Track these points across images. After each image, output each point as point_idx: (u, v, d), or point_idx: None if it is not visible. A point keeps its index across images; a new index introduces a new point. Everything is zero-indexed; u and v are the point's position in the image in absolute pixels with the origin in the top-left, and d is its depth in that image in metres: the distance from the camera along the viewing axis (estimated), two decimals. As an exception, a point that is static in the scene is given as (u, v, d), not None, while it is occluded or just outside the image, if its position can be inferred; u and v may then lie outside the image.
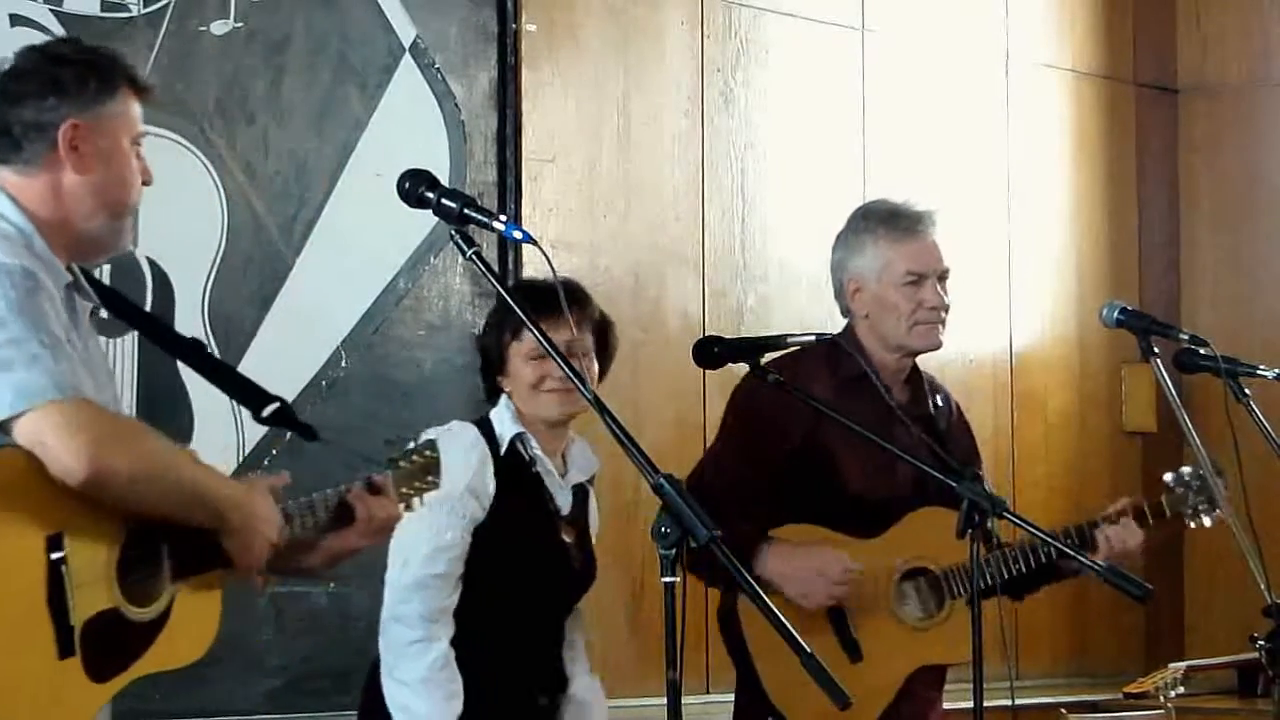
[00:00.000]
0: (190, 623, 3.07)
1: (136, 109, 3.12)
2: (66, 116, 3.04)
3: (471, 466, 3.89)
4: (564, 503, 3.93)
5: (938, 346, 4.19)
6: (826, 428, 4.00)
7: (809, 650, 2.81)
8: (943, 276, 4.19)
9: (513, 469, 3.89)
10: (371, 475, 3.30)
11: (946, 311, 4.17)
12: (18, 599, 2.83)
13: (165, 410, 4.24)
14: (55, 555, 2.85)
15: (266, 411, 3.37)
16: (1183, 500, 4.07)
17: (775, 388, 3.94)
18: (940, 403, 4.27)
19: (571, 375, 3.20)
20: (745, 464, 4.10)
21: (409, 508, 3.40)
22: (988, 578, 4.05)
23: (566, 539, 3.94)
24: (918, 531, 4.10)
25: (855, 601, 3.97)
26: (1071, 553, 3.82)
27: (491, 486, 3.87)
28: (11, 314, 2.86)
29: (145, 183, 3.15)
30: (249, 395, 3.40)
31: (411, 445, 3.50)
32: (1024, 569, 4.09)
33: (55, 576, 2.84)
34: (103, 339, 4.19)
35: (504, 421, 3.90)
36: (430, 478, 3.44)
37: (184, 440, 3.87)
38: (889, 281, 4.13)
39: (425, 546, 3.88)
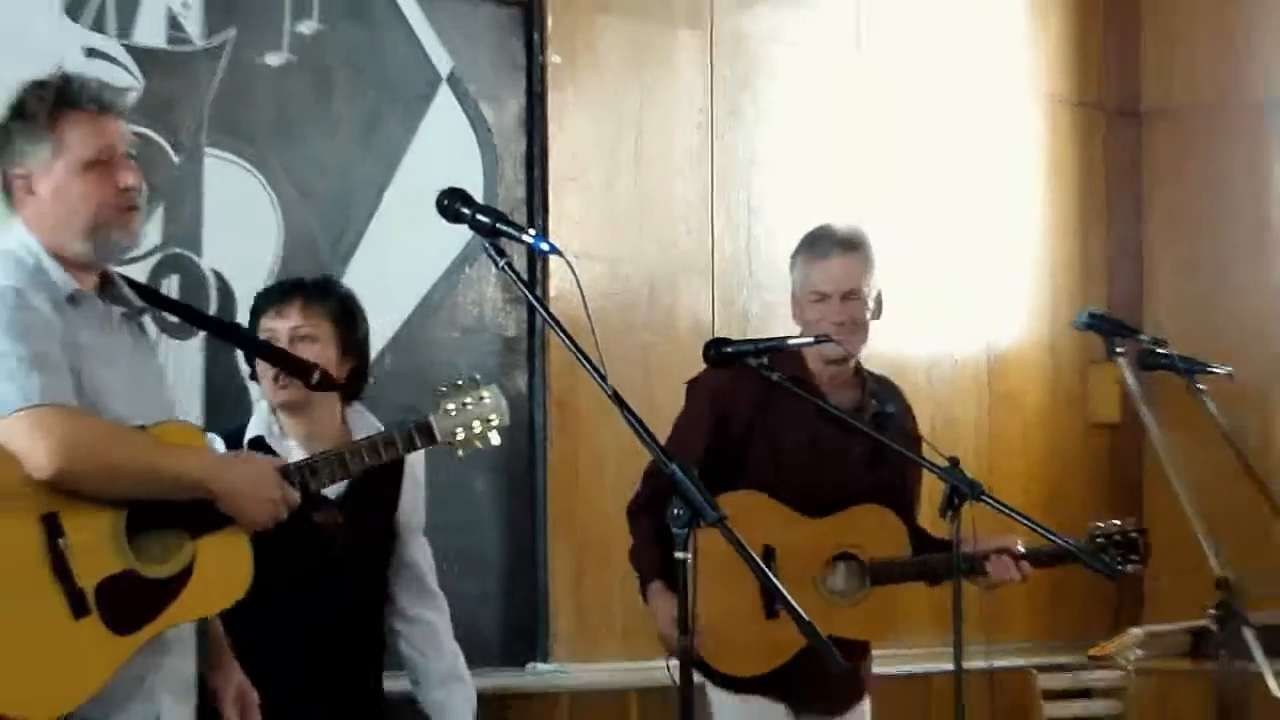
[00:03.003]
0: (219, 573, 3.06)
1: (85, 133, 3.06)
2: (10, 169, 3.05)
3: None
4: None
5: (843, 356, 4.08)
6: (762, 419, 4.02)
7: (807, 619, 2.80)
8: (847, 295, 4.11)
9: None
10: (418, 418, 3.28)
11: (854, 325, 4.09)
12: (21, 572, 2.87)
13: (229, 406, 4.25)
14: (52, 531, 2.88)
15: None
16: (1097, 553, 4.00)
17: (726, 374, 3.97)
18: (890, 408, 4.18)
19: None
20: (690, 432, 4.06)
21: (464, 446, 3.34)
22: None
23: (319, 520, 3.71)
24: (855, 521, 4.06)
25: (785, 569, 3.90)
26: (1054, 539, 3.75)
27: None
28: (11, 333, 2.90)
29: (121, 191, 3.07)
30: (294, 367, 3.47)
31: (460, 382, 3.41)
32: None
33: (55, 549, 2.87)
34: (171, 340, 4.26)
35: (254, 423, 3.81)
36: (488, 419, 3.35)
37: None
38: (803, 298, 4.14)
39: None
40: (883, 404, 4.15)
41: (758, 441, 4.05)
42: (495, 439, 3.35)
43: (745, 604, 3.91)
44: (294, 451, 3.66)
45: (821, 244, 4.15)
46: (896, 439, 4.05)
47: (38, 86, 3.18)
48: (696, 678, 3.89)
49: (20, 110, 3.09)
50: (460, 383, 3.34)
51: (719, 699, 4.08)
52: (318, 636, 3.68)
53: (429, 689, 3.89)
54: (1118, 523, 4.02)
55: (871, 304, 4.15)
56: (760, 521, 3.95)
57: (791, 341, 4.01)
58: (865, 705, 4.23)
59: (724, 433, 4.03)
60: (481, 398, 3.33)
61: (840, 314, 4.07)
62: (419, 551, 3.91)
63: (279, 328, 3.65)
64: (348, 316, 3.81)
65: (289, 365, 3.55)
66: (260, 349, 3.71)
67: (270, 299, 3.72)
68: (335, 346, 3.73)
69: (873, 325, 4.20)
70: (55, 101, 3.07)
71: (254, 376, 3.70)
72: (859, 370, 4.18)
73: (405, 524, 3.83)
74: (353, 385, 3.87)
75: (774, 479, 3.99)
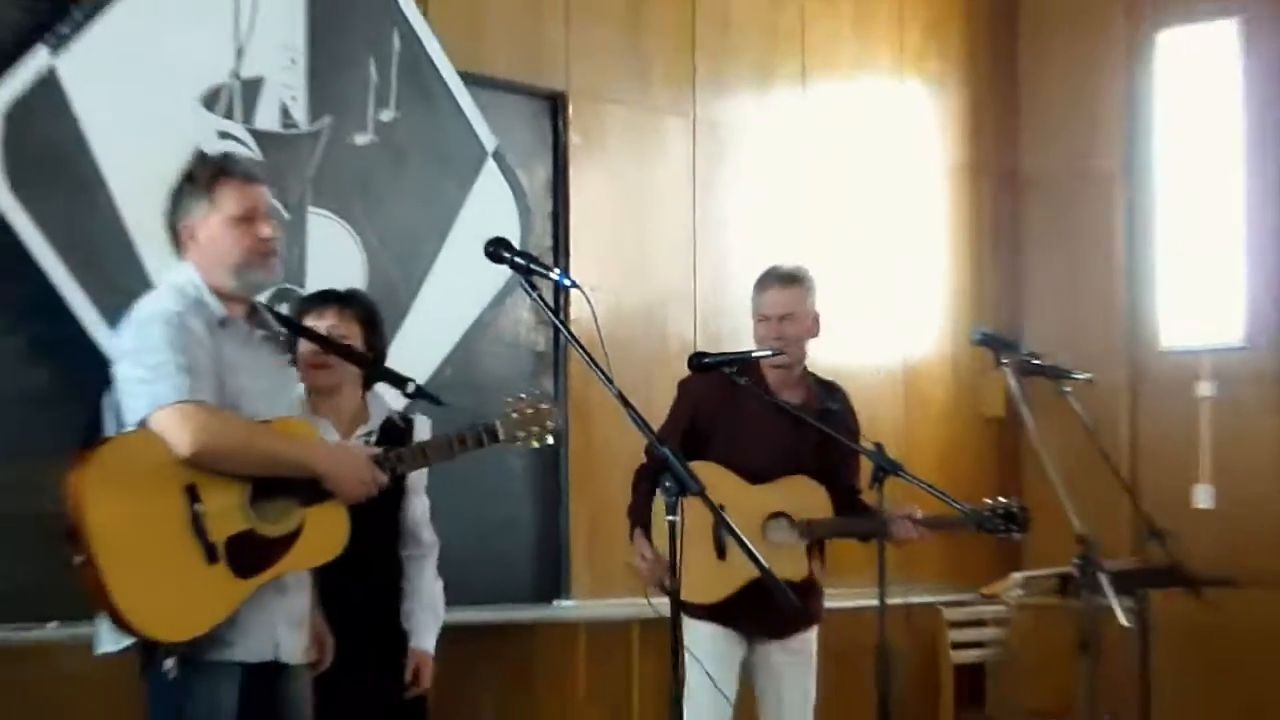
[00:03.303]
0: (321, 535, 3.06)
1: (230, 194, 3.06)
2: (179, 221, 3.08)
3: None
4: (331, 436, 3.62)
5: (784, 365, 4.06)
6: (726, 414, 4.02)
7: (767, 566, 2.84)
8: (783, 318, 4.08)
9: None
10: (487, 424, 3.24)
11: (787, 341, 4.06)
12: (168, 529, 2.89)
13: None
14: (192, 499, 2.89)
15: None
16: (989, 524, 3.96)
17: (703, 378, 3.99)
18: (832, 405, 4.13)
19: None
20: (674, 420, 4.06)
21: (524, 445, 3.30)
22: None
23: None
24: (789, 489, 4.03)
25: (742, 522, 3.88)
26: (956, 506, 3.81)
27: None
28: (162, 345, 2.91)
29: (262, 240, 3.08)
30: (395, 380, 3.47)
31: (524, 396, 3.37)
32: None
33: (194, 512, 2.88)
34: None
35: None
36: (545, 424, 3.31)
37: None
38: (755, 320, 4.12)
39: None
40: (825, 402, 4.10)
41: (720, 426, 4.02)
42: (549, 441, 3.32)
43: (702, 548, 3.88)
44: (328, 429, 3.58)
45: (765, 279, 4.15)
46: (839, 430, 4.00)
47: (201, 160, 3.25)
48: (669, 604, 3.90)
49: (189, 177, 3.11)
50: (524, 396, 3.31)
51: (687, 623, 3.96)
52: (356, 560, 3.51)
53: (407, 608, 3.75)
54: (1004, 500, 3.97)
55: (809, 323, 4.12)
56: (715, 486, 3.80)
57: (753, 354, 4.01)
58: (812, 633, 4.19)
59: (696, 419, 4.01)
60: (541, 410, 3.29)
61: (776, 332, 4.07)
62: (418, 507, 3.79)
63: (318, 326, 3.58)
64: (371, 320, 3.72)
65: (389, 376, 3.55)
66: (356, 358, 3.64)
67: (310, 304, 3.66)
68: (361, 343, 3.66)
69: (819, 341, 4.15)
70: (214, 172, 3.08)
71: (294, 363, 3.61)
72: (806, 375, 4.13)
73: (411, 485, 3.71)
74: (374, 375, 3.76)
75: (730, 455, 3.96)
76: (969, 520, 3.91)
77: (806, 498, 4.04)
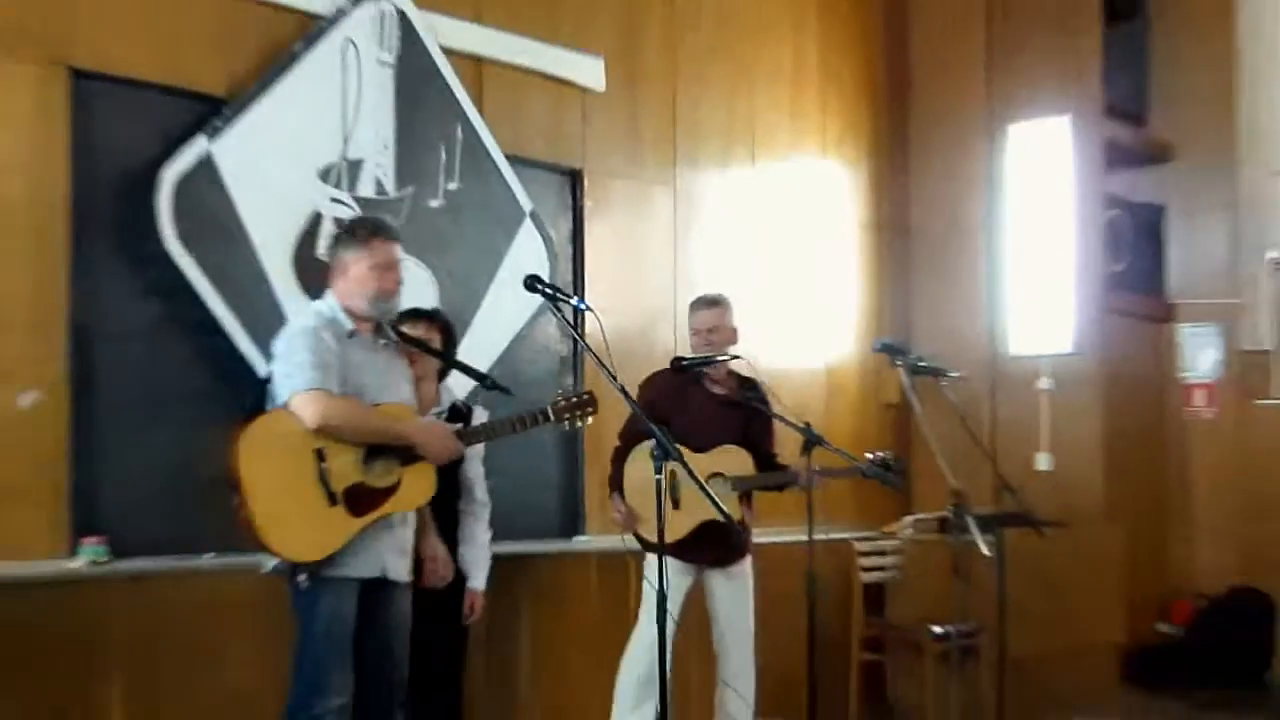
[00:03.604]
0: (414, 487, 3.09)
1: (378, 248, 3.08)
2: (336, 257, 3.07)
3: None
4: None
5: (719, 364, 3.97)
6: (675, 403, 3.96)
7: (727, 512, 2.84)
8: (709, 331, 4.02)
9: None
10: (542, 408, 3.21)
11: (713, 349, 3.98)
12: (302, 480, 2.95)
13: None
14: (320, 459, 2.95)
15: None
16: (871, 471, 3.91)
17: (658, 376, 3.96)
18: (751, 394, 4.04)
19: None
20: (639, 405, 3.95)
21: (570, 425, 3.24)
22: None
23: None
24: (722, 456, 3.97)
25: (686, 481, 3.83)
26: (852, 460, 3.82)
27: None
28: (301, 350, 2.97)
29: (386, 287, 3.09)
30: (478, 375, 3.46)
31: (562, 391, 3.37)
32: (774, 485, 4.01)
33: (320, 469, 2.95)
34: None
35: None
36: (586, 410, 3.23)
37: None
38: (690, 334, 4.12)
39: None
40: (745, 392, 4.07)
41: (672, 412, 3.92)
42: (590, 421, 3.27)
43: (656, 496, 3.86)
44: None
45: (696, 303, 4.14)
46: (757, 413, 4.03)
47: (363, 219, 3.30)
48: (636, 544, 3.95)
49: (351, 229, 3.16)
50: (574, 386, 3.30)
51: (649, 558, 4.04)
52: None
53: (463, 552, 3.67)
54: (882, 453, 3.95)
55: (730, 334, 4.04)
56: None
57: (715, 358, 3.98)
58: (747, 562, 4.12)
59: (654, 406, 3.90)
60: (585, 398, 3.25)
61: (706, 341, 4.03)
62: (474, 469, 3.70)
63: (412, 333, 3.57)
64: (447, 330, 3.72)
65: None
66: (444, 357, 3.66)
67: (405, 317, 3.61)
68: (440, 346, 3.64)
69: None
70: (371, 229, 3.12)
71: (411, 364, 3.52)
72: (731, 373, 4.09)
73: (469, 454, 3.60)
74: (448, 370, 3.70)
75: (678, 431, 3.83)
76: (858, 469, 3.86)
77: (735, 461, 3.97)
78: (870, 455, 3.93)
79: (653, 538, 3.79)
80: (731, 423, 3.99)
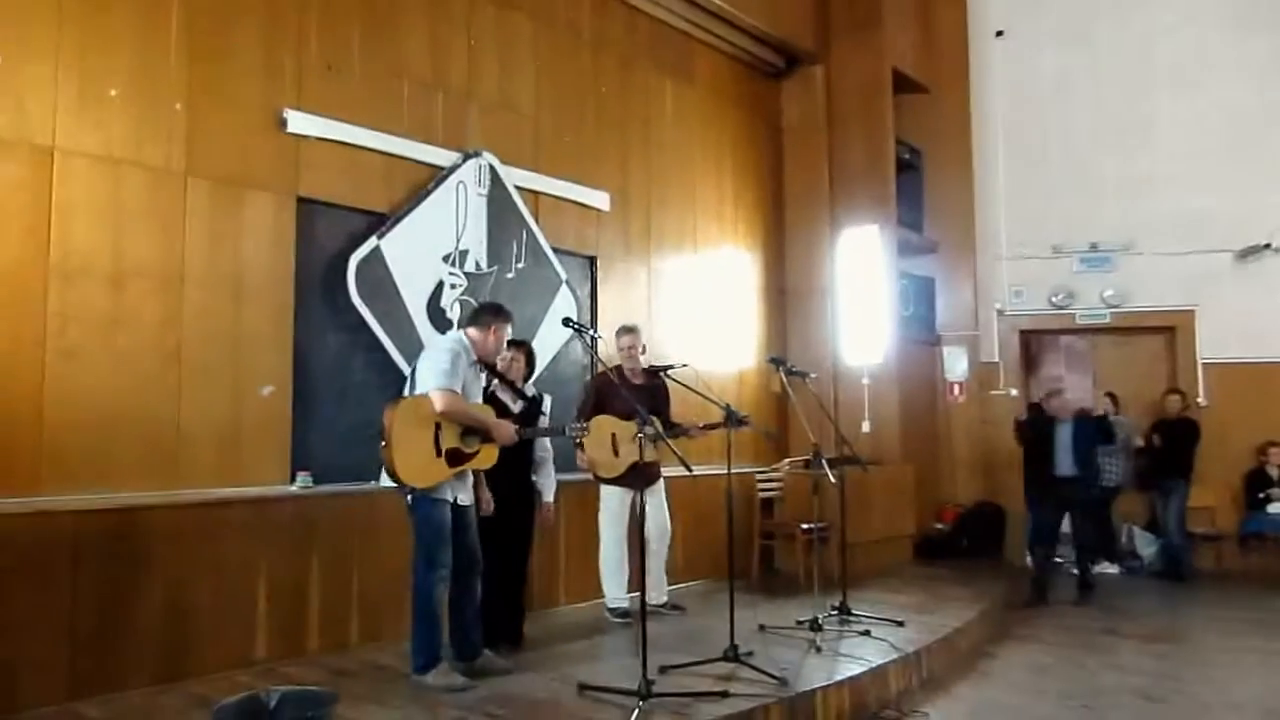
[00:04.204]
0: (486, 456, 2.96)
1: (504, 326, 2.99)
2: (478, 320, 3.00)
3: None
4: (516, 406, 3.39)
5: (634, 367, 3.75)
6: (612, 390, 3.66)
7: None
8: (629, 348, 3.80)
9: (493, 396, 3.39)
10: (562, 425, 3.06)
11: (634, 359, 3.76)
12: (423, 440, 2.82)
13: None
14: (437, 431, 2.83)
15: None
16: (734, 421, 3.41)
17: (604, 374, 3.63)
18: (656, 383, 3.81)
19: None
20: (589, 395, 3.79)
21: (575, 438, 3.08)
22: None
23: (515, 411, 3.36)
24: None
25: (621, 439, 3.67)
26: (738, 418, 3.37)
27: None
28: (443, 358, 2.84)
29: (501, 349, 3.00)
30: (522, 394, 3.26)
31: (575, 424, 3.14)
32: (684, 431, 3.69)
33: (436, 437, 2.84)
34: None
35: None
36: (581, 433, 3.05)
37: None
38: (618, 350, 3.89)
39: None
40: (652, 380, 3.84)
41: (612, 398, 3.68)
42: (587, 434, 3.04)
43: (607, 449, 3.67)
44: (509, 391, 3.34)
45: (620, 331, 3.90)
46: (661, 393, 3.83)
47: (502, 306, 3.05)
48: (590, 476, 3.78)
49: (491, 308, 3.01)
50: (589, 385, 3.08)
51: (603, 487, 3.92)
52: (517, 466, 3.46)
53: (538, 478, 3.52)
54: (743, 414, 3.41)
55: (640, 349, 3.83)
56: (613, 424, 3.81)
57: (669, 366, 3.75)
58: (660, 484, 3.89)
59: (599, 395, 3.73)
60: (580, 428, 2.99)
61: (627, 355, 3.83)
62: (544, 446, 3.55)
63: (506, 355, 3.47)
64: (529, 354, 3.55)
65: (521, 393, 3.35)
66: (512, 386, 3.45)
67: (508, 345, 3.46)
68: (524, 365, 3.49)
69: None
70: (499, 311, 2.98)
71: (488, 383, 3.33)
72: (646, 370, 3.88)
73: (540, 445, 3.48)
74: (531, 373, 3.52)
75: (614, 410, 3.68)
76: (734, 421, 3.40)
77: (651, 425, 3.72)
78: (738, 415, 3.50)
79: (607, 474, 3.67)
80: (644, 400, 3.71)
